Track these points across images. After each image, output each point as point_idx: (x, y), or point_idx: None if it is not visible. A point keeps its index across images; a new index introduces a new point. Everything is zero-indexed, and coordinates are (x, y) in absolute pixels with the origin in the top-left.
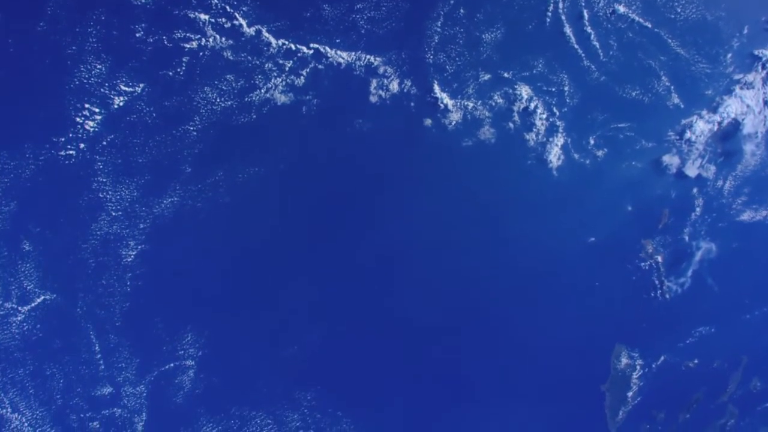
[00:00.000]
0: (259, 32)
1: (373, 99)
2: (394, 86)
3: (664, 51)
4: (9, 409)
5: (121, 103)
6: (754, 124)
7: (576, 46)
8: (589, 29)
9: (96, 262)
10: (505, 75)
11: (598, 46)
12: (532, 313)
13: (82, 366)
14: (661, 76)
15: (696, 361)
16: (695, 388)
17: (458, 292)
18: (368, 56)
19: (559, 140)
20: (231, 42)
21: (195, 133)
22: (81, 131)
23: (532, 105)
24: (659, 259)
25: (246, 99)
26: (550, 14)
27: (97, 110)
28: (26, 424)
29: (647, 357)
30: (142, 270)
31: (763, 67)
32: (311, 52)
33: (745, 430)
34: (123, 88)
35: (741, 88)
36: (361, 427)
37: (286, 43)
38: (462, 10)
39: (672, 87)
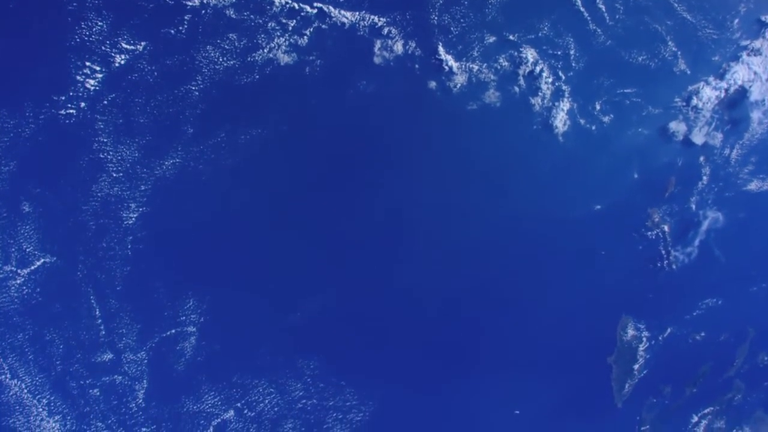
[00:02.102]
0: None
1: (377, 60)
2: (399, 47)
3: (670, 15)
4: (8, 375)
5: (123, 62)
6: (761, 92)
7: (582, 9)
8: None
9: (96, 225)
10: (511, 37)
11: (604, 9)
12: (537, 282)
13: (83, 331)
14: (668, 41)
15: (703, 334)
16: (702, 362)
17: (462, 260)
18: (372, 16)
19: (565, 105)
20: (233, 0)
21: (197, 93)
22: (82, 90)
23: (538, 68)
24: (666, 228)
25: (248, 59)
26: None
27: (98, 68)
28: (25, 391)
29: (654, 329)
30: (143, 233)
31: None
32: (315, 11)
33: (752, 405)
34: (124, 46)
35: (748, 55)
36: (364, 397)
37: (289, 2)
38: None
39: (678, 52)
